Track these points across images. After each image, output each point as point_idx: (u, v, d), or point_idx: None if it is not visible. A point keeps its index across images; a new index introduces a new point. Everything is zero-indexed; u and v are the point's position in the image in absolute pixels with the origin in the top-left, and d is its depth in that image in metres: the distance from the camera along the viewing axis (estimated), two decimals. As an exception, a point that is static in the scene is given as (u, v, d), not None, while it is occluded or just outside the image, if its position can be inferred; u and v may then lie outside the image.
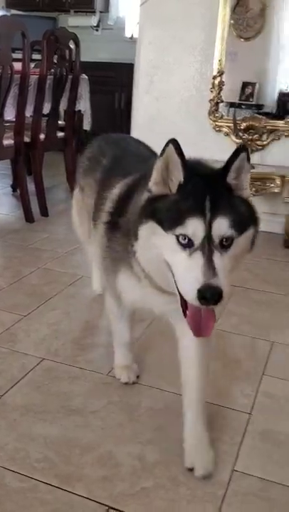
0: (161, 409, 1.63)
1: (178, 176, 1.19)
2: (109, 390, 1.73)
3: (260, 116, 3.52)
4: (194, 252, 1.14)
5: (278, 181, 3.28)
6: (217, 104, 3.55)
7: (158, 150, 1.27)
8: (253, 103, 3.63)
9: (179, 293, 1.18)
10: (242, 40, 3.55)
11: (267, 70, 3.64)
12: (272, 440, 1.53)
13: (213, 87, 3.52)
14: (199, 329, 1.20)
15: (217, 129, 3.58)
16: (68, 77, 3.81)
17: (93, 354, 1.94)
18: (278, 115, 3.53)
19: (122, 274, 1.45)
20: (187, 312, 1.21)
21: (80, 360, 1.89)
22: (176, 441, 1.44)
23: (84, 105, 4.24)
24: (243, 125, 3.47)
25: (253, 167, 3.31)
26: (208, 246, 1.13)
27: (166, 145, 1.18)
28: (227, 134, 3.55)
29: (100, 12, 6.68)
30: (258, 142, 3.49)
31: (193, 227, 1.14)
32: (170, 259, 1.19)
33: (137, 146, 1.97)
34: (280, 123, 3.48)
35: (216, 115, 3.57)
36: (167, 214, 1.18)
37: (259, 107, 3.63)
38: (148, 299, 1.42)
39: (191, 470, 1.39)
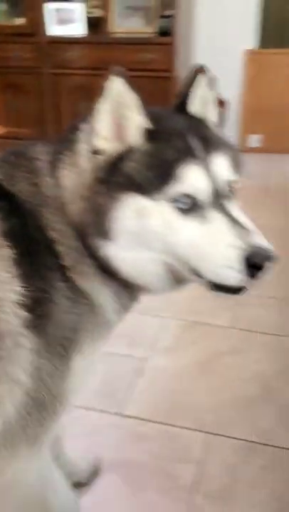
0: None
1: (137, 119, 0.84)
2: None
3: None
4: (205, 212, 0.82)
5: None
6: None
7: None
8: None
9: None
10: None
11: None
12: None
13: None
14: None
15: None
16: None
17: None
18: None
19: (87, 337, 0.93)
20: None
21: None
22: None
23: None
24: None
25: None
26: (219, 198, 0.83)
27: (109, 79, 0.81)
28: None
29: None
30: None
31: (193, 178, 0.82)
32: (171, 240, 0.83)
33: None
34: None
35: None
36: (148, 173, 0.82)
37: None
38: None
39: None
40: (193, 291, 2.42)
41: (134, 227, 0.82)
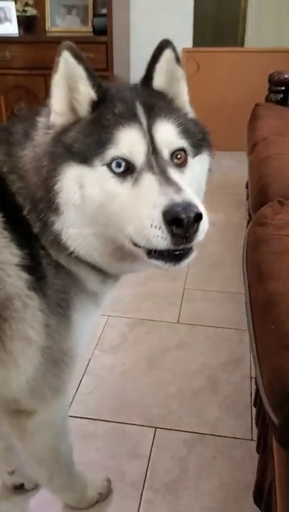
0: None
1: (86, 91, 0.85)
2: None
3: None
4: (139, 175, 0.80)
5: None
6: None
7: None
8: None
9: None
10: None
11: None
12: None
13: None
14: None
15: None
16: None
17: None
18: None
19: (79, 309, 0.97)
20: None
21: None
22: None
23: None
24: None
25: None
26: (157, 162, 0.81)
27: (59, 54, 0.82)
28: None
29: None
30: None
31: (129, 141, 0.81)
32: (109, 207, 0.81)
33: None
34: None
35: None
36: (87, 140, 0.82)
37: None
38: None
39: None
40: (139, 288, 2.44)
41: (77, 199, 0.82)
